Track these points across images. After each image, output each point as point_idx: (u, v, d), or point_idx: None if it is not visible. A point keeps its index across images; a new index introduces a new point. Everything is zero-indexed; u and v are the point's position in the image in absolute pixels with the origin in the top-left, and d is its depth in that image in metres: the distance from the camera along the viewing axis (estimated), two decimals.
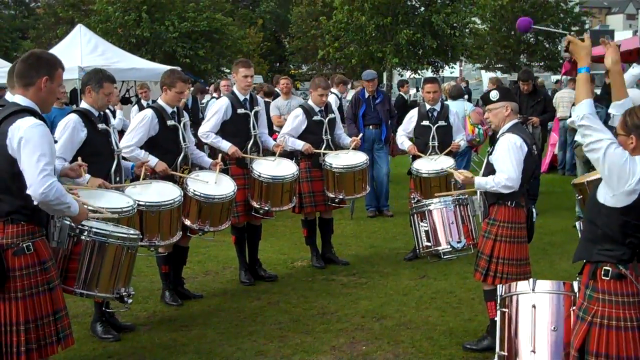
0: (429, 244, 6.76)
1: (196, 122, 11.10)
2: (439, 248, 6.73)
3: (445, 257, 6.76)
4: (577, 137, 11.40)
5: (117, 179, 6.21)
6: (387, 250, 9.25)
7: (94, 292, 5.13)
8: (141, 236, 5.73)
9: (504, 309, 4.67)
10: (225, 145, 7.60)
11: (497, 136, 5.79)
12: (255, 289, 7.68)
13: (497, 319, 4.70)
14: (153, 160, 6.73)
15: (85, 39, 19.62)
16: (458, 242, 6.59)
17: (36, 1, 53.47)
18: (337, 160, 8.18)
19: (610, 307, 3.87)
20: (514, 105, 5.81)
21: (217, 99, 12.23)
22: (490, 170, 5.68)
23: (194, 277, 8.11)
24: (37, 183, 4.16)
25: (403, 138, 8.99)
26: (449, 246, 6.65)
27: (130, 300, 5.37)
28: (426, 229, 6.75)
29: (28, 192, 4.19)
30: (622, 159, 3.77)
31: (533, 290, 4.55)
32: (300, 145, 8.16)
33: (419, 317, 6.69)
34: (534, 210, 5.92)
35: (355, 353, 5.87)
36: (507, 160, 5.52)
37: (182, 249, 7.27)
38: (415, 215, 6.92)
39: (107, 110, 6.53)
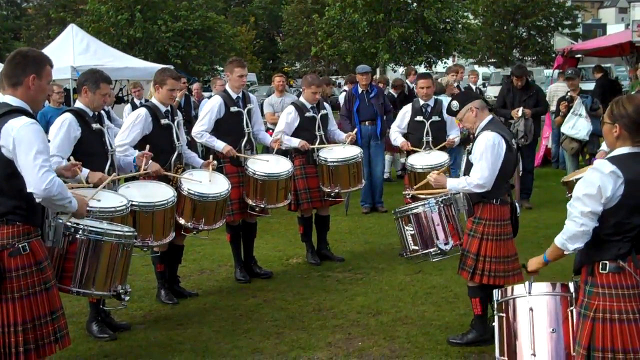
0: (416, 247, 6.66)
1: (189, 121, 11.09)
2: (427, 251, 6.67)
3: (434, 259, 6.71)
4: (564, 129, 11.39)
5: None
6: (382, 246, 9.26)
7: (91, 290, 5.12)
8: (136, 234, 5.73)
9: (501, 314, 4.66)
10: (220, 145, 7.60)
11: (475, 134, 5.80)
12: (250, 287, 7.68)
13: (495, 323, 4.69)
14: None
15: (78, 39, 19.64)
16: (446, 244, 6.54)
17: (28, 2, 53.35)
18: (331, 154, 8.20)
19: (611, 300, 3.87)
20: (477, 102, 5.82)
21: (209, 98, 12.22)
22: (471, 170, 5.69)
23: (190, 275, 8.12)
24: (39, 180, 4.17)
25: (396, 134, 8.95)
26: (436, 248, 6.60)
27: (127, 298, 5.35)
28: (412, 232, 6.67)
29: (30, 190, 4.20)
30: (596, 189, 3.86)
31: (529, 293, 4.55)
32: (296, 142, 8.18)
33: (414, 312, 6.71)
34: (517, 205, 5.93)
35: (352, 349, 5.89)
36: (483, 160, 5.53)
37: (177, 247, 7.26)
38: (399, 219, 6.84)
39: (102, 110, 6.53)
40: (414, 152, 8.59)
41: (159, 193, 6.44)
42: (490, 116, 5.81)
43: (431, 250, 6.56)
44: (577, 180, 5.95)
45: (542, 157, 15.67)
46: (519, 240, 9.01)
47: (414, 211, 6.63)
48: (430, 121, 8.73)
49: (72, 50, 18.72)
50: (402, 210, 6.76)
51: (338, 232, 9.86)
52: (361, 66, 11.64)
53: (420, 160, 8.27)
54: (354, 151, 8.30)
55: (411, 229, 6.63)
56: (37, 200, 4.26)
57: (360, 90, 11.20)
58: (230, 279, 7.97)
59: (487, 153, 5.51)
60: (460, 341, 5.88)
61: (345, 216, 10.92)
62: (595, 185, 3.84)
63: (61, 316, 4.49)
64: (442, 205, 6.54)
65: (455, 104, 5.84)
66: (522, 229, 9.62)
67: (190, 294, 7.37)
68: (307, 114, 8.29)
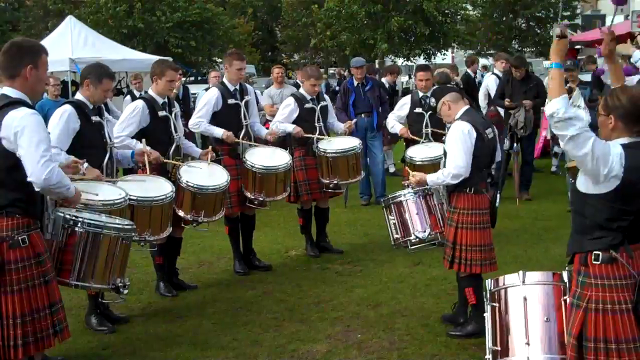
0: (398, 236, 6.77)
1: (187, 112, 11.06)
2: (407, 239, 6.71)
3: (412, 247, 6.72)
4: None
5: (109, 171, 6.19)
6: (382, 238, 9.19)
7: (90, 283, 5.12)
8: (135, 227, 5.72)
9: (494, 304, 4.66)
10: (219, 132, 7.58)
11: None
12: (250, 279, 7.68)
13: (487, 313, 4.70)
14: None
15: (76, 31, 19.61)
16: (423, 232, 6.59)
17: None
18: (330, 145, 8.18)
19: (604, 291, 3.85)
20: (449, 96, 5.96)
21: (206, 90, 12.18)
22: None
23: (189, 267, 8.11)
24: (39, 169, 4.19)
25: (394, 122, 8.99)
26: (414, 237, 6.64)
27: (126, 291, 5.36)
28: (394, 221, 6.75)
29: (30, 179, 4.22)
30: (607, 149, 3.79)
31: (523, 282, 4.56)
32: (290, 128, 8.17)
33: (414, 304, 6.71)
34: (497, 196, 5.96)
35: (351, 341, 5.89)
36: (455, 149, 5.65)
37: (176, 239, 7.24)
38: (385, 209, 6.93)
39: None
40: (413, 141, 8.59)
41: (158, 188, 6.42)
42: (466, 107, 5.91)
43: (410, 238, 6.61)
44: None
45: (541, 149, 15.64)
46: (519, 231, 9.10)
47: (395, 200, 6.72)
48: (429, 113, 8.71)
49: (70, 43, 18.70)
50: (386, 200, 6.87)
51: (337, 224, 9.85)
52: (355, 59, 11.59)
53: (420, 152, 8.25)
54: (353, 142, 8.28)
55: (393, 218, 6.72)
56: (37, 188, 4.27)
57: (355, 83, 11.15)
58: (229, 272, 7.97)
59: (457, 142, 5.63)
60: (460, 333, 5.89)
61: (345, 208, 10.91)
62: (609, 151, 3.78)
63: (60, 309, 4.50)
64: (421, 194, 6.59)
65: (432, 100, 5.97)
66: (521, 220, 9.75)
67: (189, 287, 7.37)
68: (307, 105, 8.26)
